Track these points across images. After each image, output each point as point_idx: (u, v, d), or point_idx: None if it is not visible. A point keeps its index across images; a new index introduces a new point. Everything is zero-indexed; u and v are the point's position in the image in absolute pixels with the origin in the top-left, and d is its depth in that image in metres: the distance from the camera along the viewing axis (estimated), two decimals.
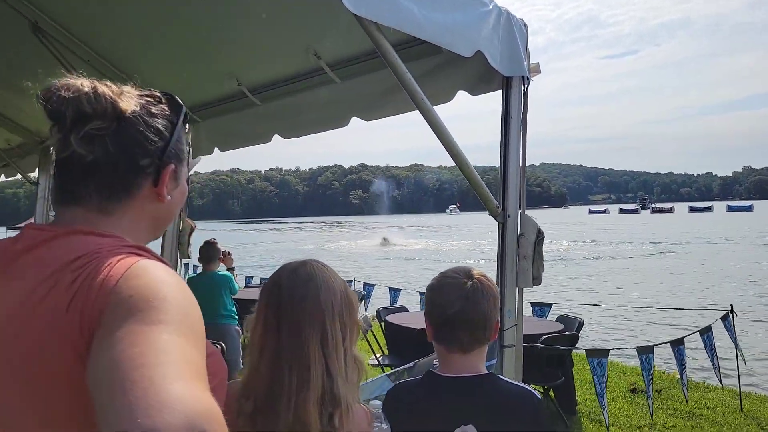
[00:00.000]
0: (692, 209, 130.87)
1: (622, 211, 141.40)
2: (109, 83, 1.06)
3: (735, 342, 5.69)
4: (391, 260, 31.37)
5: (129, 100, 1.07)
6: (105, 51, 4.17)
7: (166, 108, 1.13)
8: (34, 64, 4.17)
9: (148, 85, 1.16)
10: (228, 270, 6.16)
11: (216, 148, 4.97)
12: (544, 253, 2.98)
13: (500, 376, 1.79)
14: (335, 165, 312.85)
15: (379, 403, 1.50)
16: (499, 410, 1.66)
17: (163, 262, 0.99)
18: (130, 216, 1.09)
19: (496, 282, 2.34)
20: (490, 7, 2.73)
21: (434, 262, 27.58)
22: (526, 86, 3.00)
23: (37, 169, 6.46)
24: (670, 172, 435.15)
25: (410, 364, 2.60)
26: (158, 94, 1.15)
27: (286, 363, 1.32)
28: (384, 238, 48.60)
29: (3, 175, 7.32)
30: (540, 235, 2.96)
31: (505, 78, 2.94)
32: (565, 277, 20.03)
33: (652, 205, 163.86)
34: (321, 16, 3.37)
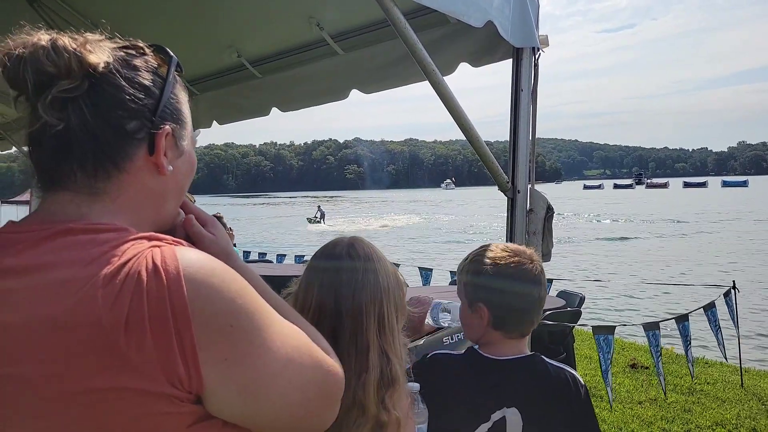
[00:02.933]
0: (687, 184, 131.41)
1: (616, 186, 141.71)
2: (74, 34, 0.88)
3: (735, 318, 5.68)
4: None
5: (100, 51, 0.88)
6: (100, 20, 4.03)
7: (152, 60, 0.96)
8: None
9: None
10: None
11: (214, 122, 4.87)
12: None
13: (543, 356, 1.73)
14: (330, 139, 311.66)
15: (416, 385, 1.46)
16: (542, 392, 1.63)
17: (179, 243, 0.88)
18: (128, 195, 0.91)
19: None
20: None
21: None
22: (536, 57, 2.91)
23: None
24: (665, 147, 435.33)
25: (420, 341, 2.56)
26: (141, 44, 0.97)
27: (345, 346, 1.26)
28: (316, 217, 40.38)
29: None
30: (550, 211, 2.90)
31: (516, 49, 2.85)
32: (564, 254, 20.09)
33: (647, 181, 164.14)
34: None
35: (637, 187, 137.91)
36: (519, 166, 2.86)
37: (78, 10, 3.90)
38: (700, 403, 5.40)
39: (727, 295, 5.68)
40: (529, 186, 2.90)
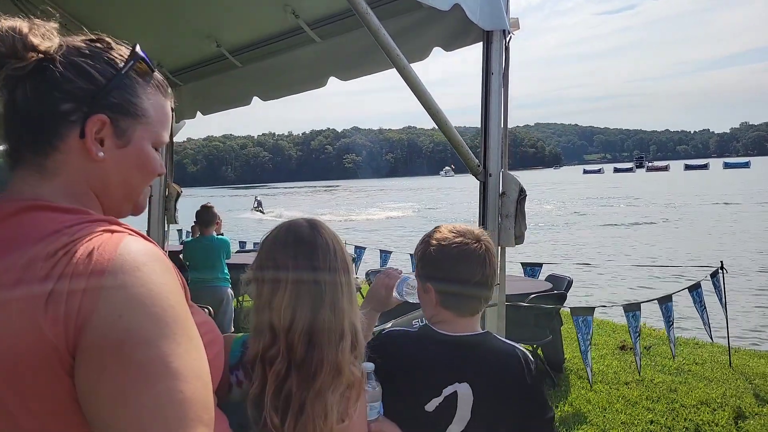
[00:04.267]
0: (688, 167, 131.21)
1: (617, 170, 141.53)
2: (37, 21, 0.94)
3: (722, 298, 5.72)
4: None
5: (50, 37, 0.94)
6: (82, 15, 4.04)
7: (114, 54, 0.99)
8: None
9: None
10: (218, 235, 6.25)
11: (198, 112, 4.90)
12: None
13: (495, 334, 1.76)
14: (328, 129, 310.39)
15: (371, 365, 1.52)
16: (493, 369, 1.66)
17: (137, 235, 0.92)
18: (66, 176, 0.96)
19: None
20: None
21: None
22: (507, 41, 2.92)
23: None
24: (667, 130, 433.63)
25: (387, 324, 2.59)
26: (109, 39, 1.01)
27: (326, 315, 1.34)
28: (255, 206, 41.46)
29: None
30: (522, 194, 2.92)
31: (486, 33, 2.85)
32: (559, 240, 20.13)
33: (648, 164, 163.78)
34: None
35: (638, 170, 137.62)
36: (490, 150, 2.87)
37: (57, 3, 3.91)
38: (687, 383, 5.43)
39: (714, 275, 5.70)
40: (502, 170, 2.92)
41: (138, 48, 1.02)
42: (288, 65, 3.96)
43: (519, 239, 2.91)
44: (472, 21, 2.71)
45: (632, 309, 4.50)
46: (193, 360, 0.85)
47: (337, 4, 3.45)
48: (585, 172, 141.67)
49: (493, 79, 2.87)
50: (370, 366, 1.52)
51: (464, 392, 1.63)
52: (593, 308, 4.40)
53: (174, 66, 4.65)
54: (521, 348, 1.72)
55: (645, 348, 6.57)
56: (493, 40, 2.85)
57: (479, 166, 2.84)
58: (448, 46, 3.10)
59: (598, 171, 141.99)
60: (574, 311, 4.32)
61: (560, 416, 4.67)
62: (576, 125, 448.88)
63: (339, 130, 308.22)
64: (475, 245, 1.66)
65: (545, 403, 1.70)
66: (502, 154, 2.92)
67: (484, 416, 1.63)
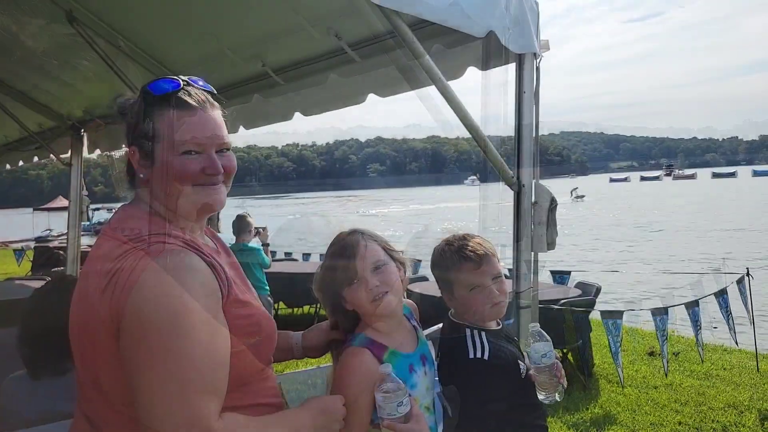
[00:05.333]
0: (715, 175, 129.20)
1: (643, 178, 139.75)
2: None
3: (748, 305, 5.81)
4: None
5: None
6: (136, 37, 4.36)
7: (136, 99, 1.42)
8: (67, 52, 4.42)
9: (178, 68, 1.40)
10: (263, 245, 6.55)
11: (241, 127, 5.17)
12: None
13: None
14: (352, 139, 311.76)
15: (389, 365, 1.60)
16: None
17: (180, 247, 1.29)
18: (140, 195, 1.42)
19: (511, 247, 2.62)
20: None
21: None
22: (537, 61, 3.13)
23: (69, 151, 6.70)
24: (694, 138, 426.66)
25: None
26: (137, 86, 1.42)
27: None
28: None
29: (36, 157, 7.60)
30: (553, 203, 3.13)
31: (518, 54, 3.07)
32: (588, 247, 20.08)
33: (675, 171, 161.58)
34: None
35: (665, 179, 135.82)
36: (523, 162, 3.09)
37: (112, 26, 4.24)
38: (714, 387, 5.54)
39: (740, 281, 5.80)
40: (534, 181, 3.13)
41: (145, 88, 1.39)
42: (329, 83, 4.20)
43: (551, 245, 3.11)
44: (505, 46, 2.93)
45: (660, 313, 4.66)
46: (198, 347, 1.20)
47: (378, 27, 3.69)
48: (611, 180, 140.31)
49: (525, 98, 3.08)
50: (387, 368, 1.59)
51: (450, 395, 1.77)
52: (622, 312, 4.57)
53: (221, 84, 4.93)
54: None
55: (673, 354, 6.68)
56: (525, 62, 3.07)
57: (513, 177, 3.05)
58: (483, 66, 3.31)
59: (625, 179, 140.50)
60: (605, 315, 4.49)
61: (591, 418, 4.83)
62: (602, 133, 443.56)
63: (363, 140, 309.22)
64: (473, 243, 1.96)
65: (536, 406, 1.85)
66: (533, 165, 3.14)
67: (472, 419, 1.76)
